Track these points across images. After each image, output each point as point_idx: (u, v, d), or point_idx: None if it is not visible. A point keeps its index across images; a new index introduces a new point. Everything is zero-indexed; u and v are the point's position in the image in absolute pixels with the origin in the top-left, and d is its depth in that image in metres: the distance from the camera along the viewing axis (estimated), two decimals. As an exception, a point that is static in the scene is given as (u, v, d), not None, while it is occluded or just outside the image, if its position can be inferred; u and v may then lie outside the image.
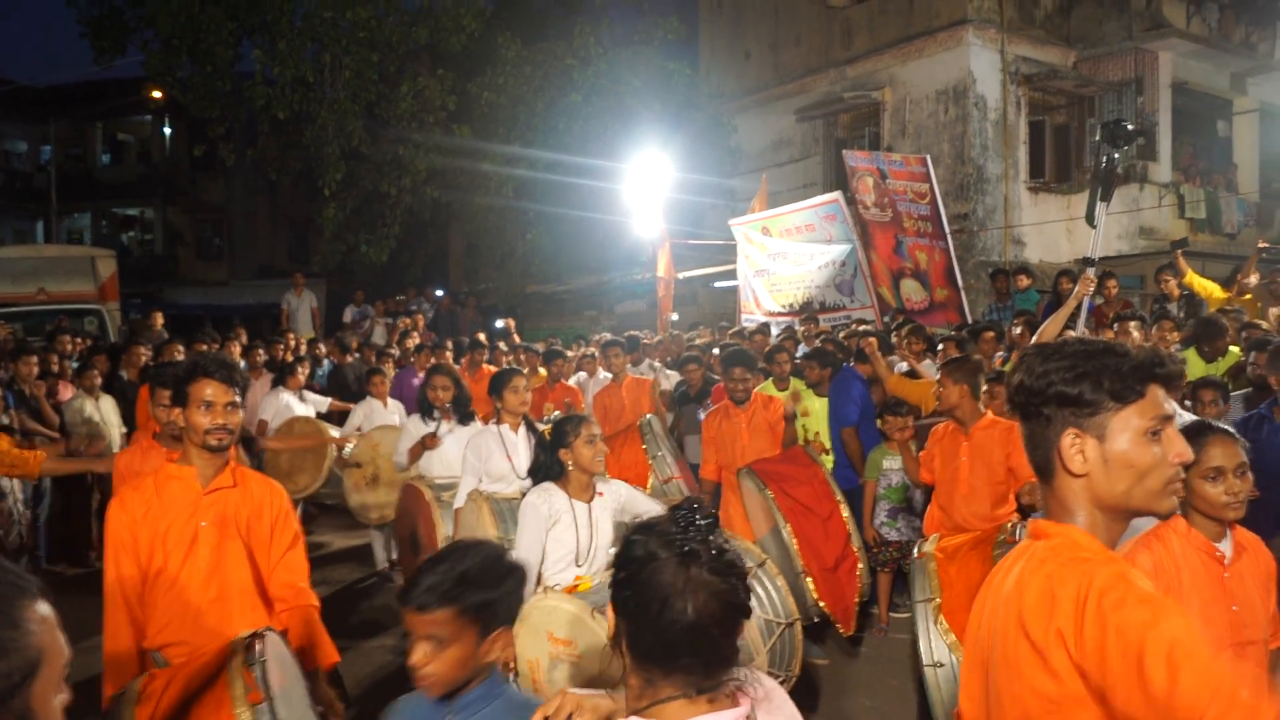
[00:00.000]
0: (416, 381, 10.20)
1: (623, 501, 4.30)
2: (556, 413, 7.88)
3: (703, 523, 1.62)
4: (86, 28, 18.81)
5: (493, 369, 8.49)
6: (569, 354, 10.25)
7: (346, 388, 10.48)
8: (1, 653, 1.09)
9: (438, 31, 18.05)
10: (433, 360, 10.46)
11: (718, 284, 17.48)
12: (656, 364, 9.93)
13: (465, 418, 6.44)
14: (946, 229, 11.59)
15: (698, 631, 1.56)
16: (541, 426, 5.39)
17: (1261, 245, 9.92)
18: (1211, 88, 18.57)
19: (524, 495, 4.90)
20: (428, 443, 6.27)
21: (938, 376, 5.29)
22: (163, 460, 3.41)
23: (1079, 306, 6.30)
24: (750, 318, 13.49)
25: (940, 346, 7.94)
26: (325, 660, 3.24)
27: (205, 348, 9.72)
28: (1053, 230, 16.84)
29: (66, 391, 8.69)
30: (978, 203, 16.37)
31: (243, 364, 9.96)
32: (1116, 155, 6.07)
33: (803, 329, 10.64)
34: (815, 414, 7.28)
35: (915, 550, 4.73)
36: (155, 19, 17.63)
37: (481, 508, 4.82)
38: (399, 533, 6.54)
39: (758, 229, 13.54)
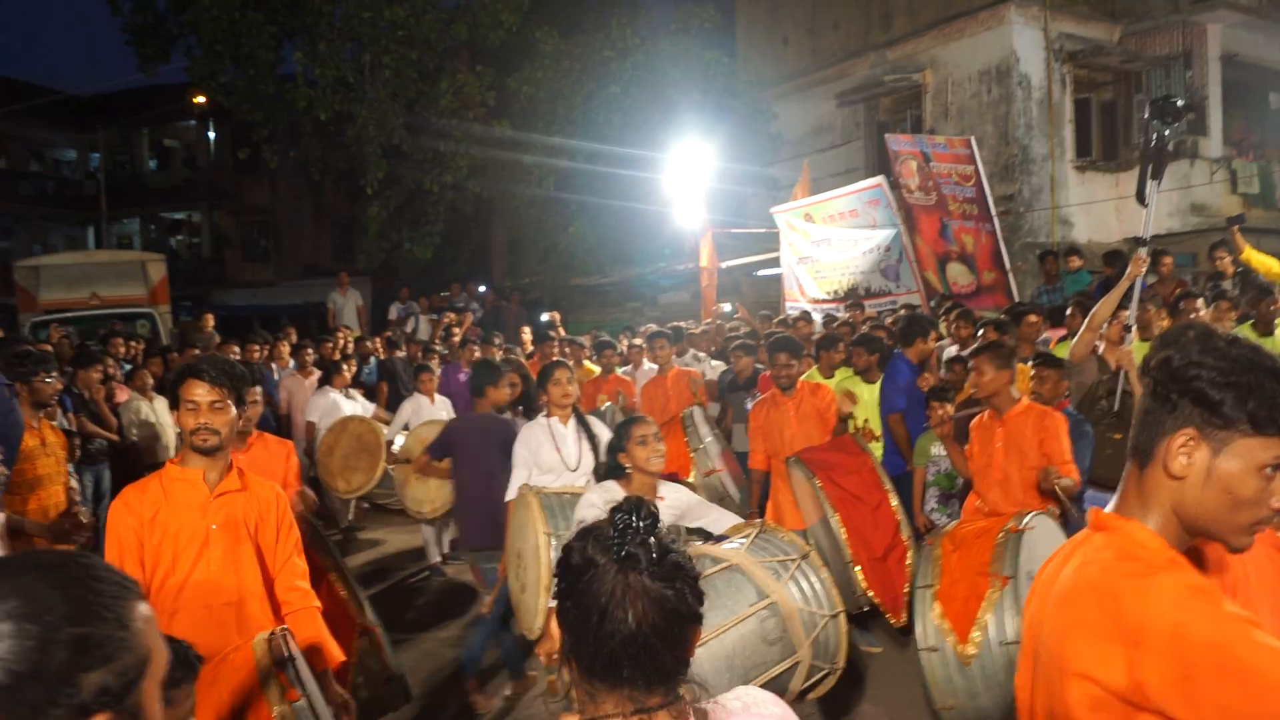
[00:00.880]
0: (462, 377, 10.30)
1: (684, 508, 4.29)
2: (609, 404, 7.90)
3: (643, 524, 1.47)
4: (131, 36, 19.13)
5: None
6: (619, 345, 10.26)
7: (396, 379, 10.59)
8: (116, 652, 1.12)
9: (476, 28, 18.12)
10: (478, 354, 10.56)
11: (760, 272, 17.40)
12: (701, 354, 9.90)
13: (532, 414, 6.46)
14: (993, 211, 11.44)
15: (637, 644, 1.42)
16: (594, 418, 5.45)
17: None
18: (1262, 59, 18.10)
19: (570, 489, 4.96)
20: None
21: (971, 363, 5.22)
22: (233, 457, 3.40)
23: (1131, 287, 6.21)
24: (794, 305, 13.41)
25: (980, 331, 7.84)
26: (332, 661, 3.23)
27: (257, 349, 9.85)
28: (1101, 209, 16.57)
29: (122, 394, 8.85)
30: (1023, 183, 16.14)
31: (293, 363, 10.09)
32: (1167, 132, 5.96)
33: (848, 315, 10.56)
34: (865, 401, 7.22)
35: (928, 537, 4.74)
36: (197, 25, 17.86)
37: (531, 502, 4.83)
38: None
39: (800, 216, 13.46)
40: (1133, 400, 5.75)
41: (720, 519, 4.39)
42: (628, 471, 4.16)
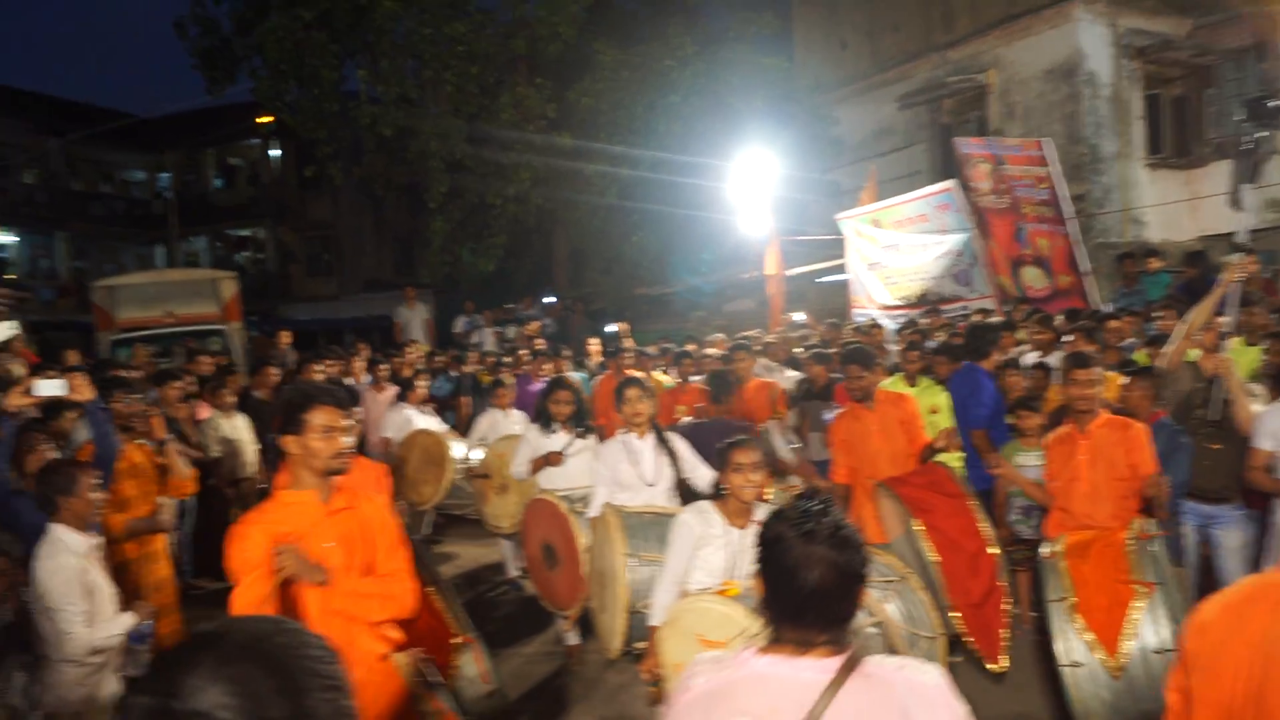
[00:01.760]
0: (534, 389, 10.33)
1: None
2: (688, 416, 7.85)
3: (818, 507, 1.96)
4: (198, 59, 19.53)
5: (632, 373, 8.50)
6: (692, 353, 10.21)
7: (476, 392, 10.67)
8: (347, 716, 1.14)
9: (534, 41, 18.24)
10: (549, 368, 10.59)
11: (824, 279, 17.26)
12: (771, 364, 9.81)
13: (584, 431, 6.46)
14: (1068, 214, 11.21)
15: (817, 597, 1.89)
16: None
17: None
18: (1338, 49, 17.58)
19: (651, 507, 4.94)
20: (551, 459, 6.31)
21: (1071, 374, 5.11)
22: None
23: (1227, 293, 6.05)
24: (862, 312, 13.29)
25: (1070, 338, 7.67)
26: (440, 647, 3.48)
27: (332, 364, 9.94)
28: (1174, 208, 16.17)
29: (204, 411, 9.00)
30: (1094, 183, 15.83)
31: (367, 378, 10.18)
32: (1263, 135, 5.80)
33: (926, 322, 10.41)
34: (944, 410, 7.11)
35: (1043, 550, 4.67)
36: (262, 47, 18.20)
37: (611, 523, 4.81)
38: (526, 549, 6.55)
39: (868, 222, 13.32)
40: (1231, 409, 5.58)
41: None
42: (724, 492, 4.14)
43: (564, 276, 21.98)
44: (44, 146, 30.64)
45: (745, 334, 11.10)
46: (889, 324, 11.64)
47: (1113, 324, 8.19)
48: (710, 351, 10.47)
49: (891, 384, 6.97)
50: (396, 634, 3.30)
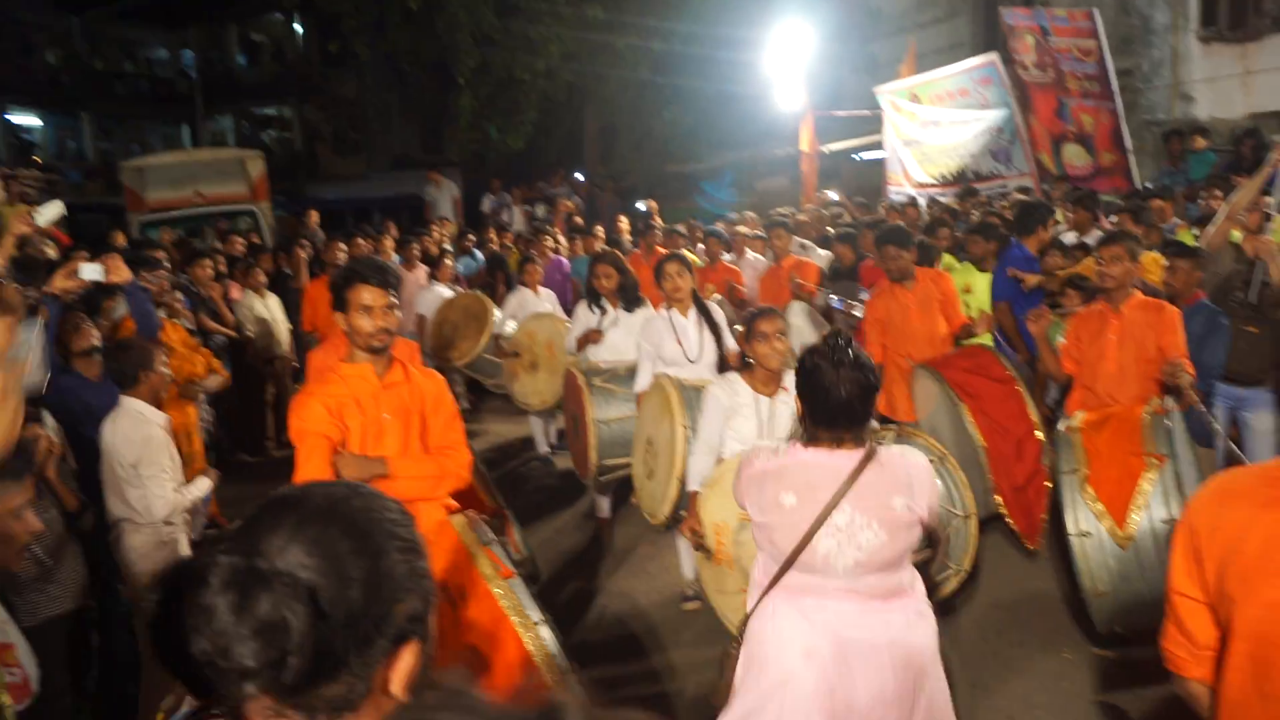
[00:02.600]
0: (565, 268, 10.27)
1: None
2: (717, 295, 7.81)
3: (842, 342, 2.70)
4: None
5: (663, 251, 8.41)
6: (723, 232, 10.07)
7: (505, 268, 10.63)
8: (421, 580, 1.15)
9: (565, -93, 17.53)
10: (580, 245, 10.51)
11: (859, 155, 16.90)
12: (806, 242, 9.68)
13: (631, 303, 6.44)
14: (1115, 89, 10.81)
15: (845, 406, 2.63)
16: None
17: None
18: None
19: (701, 381, 4.96)
20: (591, 337, 6.37)
21: (1101, 252, 5.01)
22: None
23: (1275, 172, 5.88)
24: (898, 190, 13.03)
25: (1114, 218, 7.49)
26: (484, 506, 3.60)
27: (363, 244, 9.91)
28: (1225, 84, 15.52)
29: (236, 291, 9.06)
30: (1143, 57, 15.20)
31: (397, 258, 10.15)
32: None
33: (959, 204, 10.20)
34: (978, 291, 7.02)
35: (1060, 425, 4.68)
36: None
37: (671, 394, 4.82)
38: (566, 420, 6.69)
39: (906, 96, 12.95)
40: (1271, 291, 5.46)
41: None
42: (750, 363, 4.22)
43: (594, 154, 21.63)
44: (66, 24, 30.17)
45: (780, 210, 10.93)
46: (924, 202, 11.41)
47: (1155, 203, 7.99)
48: (741, 229, 10.33)
49: (946, 264, 6.86)
50: (452, 501, 3.48)
